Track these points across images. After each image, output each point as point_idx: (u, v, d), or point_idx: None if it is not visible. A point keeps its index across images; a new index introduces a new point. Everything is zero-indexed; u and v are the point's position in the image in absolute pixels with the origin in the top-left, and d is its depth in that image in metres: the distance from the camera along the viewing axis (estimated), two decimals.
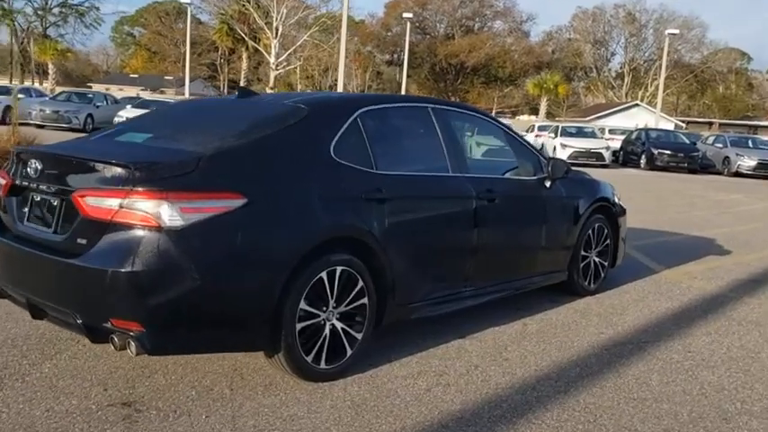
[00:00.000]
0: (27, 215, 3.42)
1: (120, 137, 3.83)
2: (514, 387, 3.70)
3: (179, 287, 2.95)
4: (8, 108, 19.51)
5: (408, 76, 47.35)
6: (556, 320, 5.02)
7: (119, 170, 3.02)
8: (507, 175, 5.06)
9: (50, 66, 40.86)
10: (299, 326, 3.39)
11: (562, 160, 5.36)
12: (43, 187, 3.31)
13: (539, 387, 3.72)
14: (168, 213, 2.94)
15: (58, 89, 33.54)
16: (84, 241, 3.05)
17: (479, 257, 4.50)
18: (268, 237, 3.20)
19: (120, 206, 2.96)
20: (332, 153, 3.63)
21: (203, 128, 3.71)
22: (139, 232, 2.95)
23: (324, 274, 3.46)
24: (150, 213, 2.93)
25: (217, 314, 3.09)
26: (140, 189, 2.95)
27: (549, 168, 5.08)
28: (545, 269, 5.26)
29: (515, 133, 5.18)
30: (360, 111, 3.91)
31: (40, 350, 3.78)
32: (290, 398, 3.36)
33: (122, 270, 2.89)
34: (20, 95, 25.48)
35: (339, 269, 3.54)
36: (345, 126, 3.78)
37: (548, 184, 5.10)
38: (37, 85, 46.35)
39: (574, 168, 5.67)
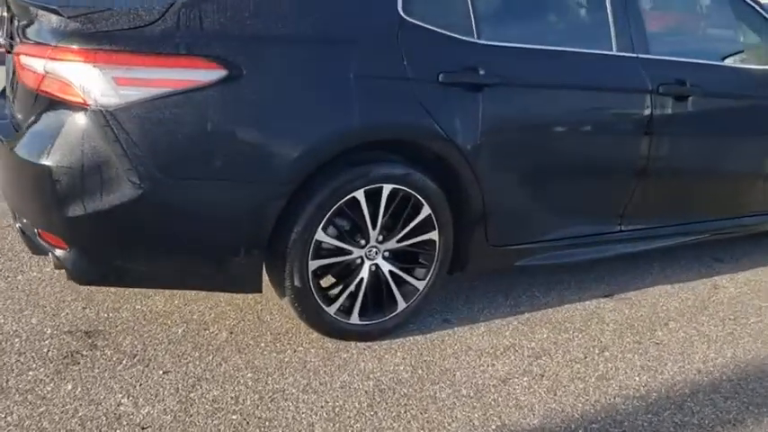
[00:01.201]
0: (9, 82, 2.70)
1: None
2: (644, 401, 2.34)
3: (110, 195, 2.03)
4: None
5: None
6: None
7: (52, 18, 2.11)
8: (723, 62, 3.32)
9: None
10: (313, 264, 2.34)
11: None
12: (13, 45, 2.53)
13: (688, 406, 2.31)
14: (97, 85, 1.99)
15: None
16: (20, 116, 2.25)
17: (649, 184, 2.99)
18: (259, 133, 2.12)
19: (45, 71, 2.07)
20: (399, 8, 2.36)
21: None
22: (63, 111, 2.05)
23: (359, 194, 2.33)
24: (74, 84, 2.01)
25: (170, 238, 2.14)
26: (63, 46, 2.02)
27: None
28: (766, 207, 3.53)
29: None
30: None
31: None
32: (294, 361, 2.39)
33: (38, 164, 2.04)
34: None
35: (387, 188, 2.37)
36: None
37: None
38: None
39: None
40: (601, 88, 2.78)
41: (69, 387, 2.15)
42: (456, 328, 2.70)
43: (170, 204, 2.07)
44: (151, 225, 2.09)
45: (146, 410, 2.06)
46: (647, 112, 2.85)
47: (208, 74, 2.05)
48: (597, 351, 2.61)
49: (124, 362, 2.30)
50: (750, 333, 2.85)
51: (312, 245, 2.30)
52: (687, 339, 2.76)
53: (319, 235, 2.31)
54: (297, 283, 2.31)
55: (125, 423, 2.00)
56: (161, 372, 2.26)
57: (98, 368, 2.25)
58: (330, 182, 2.27)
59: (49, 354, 2.32)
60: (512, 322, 2.80)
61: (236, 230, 2.17)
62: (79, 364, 2.27)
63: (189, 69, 2.04)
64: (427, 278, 2.58)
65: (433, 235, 2.53)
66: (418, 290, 2.58)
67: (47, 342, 2.39)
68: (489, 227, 2.63)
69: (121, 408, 2.06)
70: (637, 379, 2.44)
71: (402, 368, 2.39)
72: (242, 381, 2.24)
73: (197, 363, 2.32)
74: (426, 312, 2.80)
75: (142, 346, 2.40)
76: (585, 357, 2.56)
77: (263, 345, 2.47)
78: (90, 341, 2.41)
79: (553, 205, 2.80)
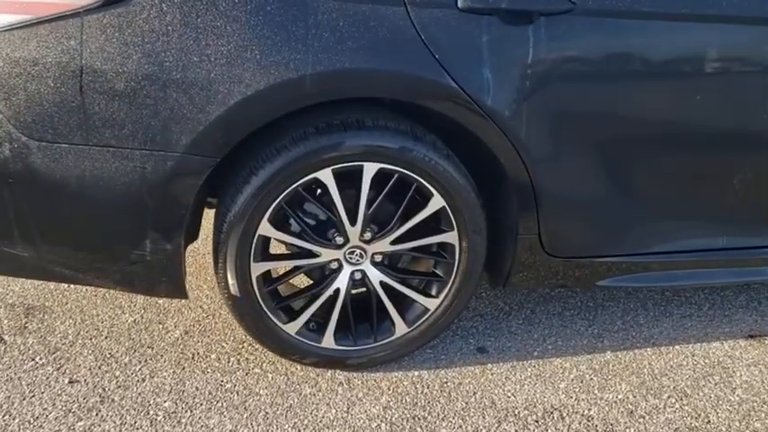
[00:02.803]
0: None
1: None
2: None
3: None
4: None
5: None
6: None
7: None
8: None
9: None
10: (258, 267, 1.67)
11: None
12: None
13: None
14: None
15: None
16: None
17: None
18: (156, 80, 1.44)
19: None
20: None
21: None
22: None
23: (325, 175, 1.59)
24: None
25: (48, 220, 1.57)
26: None
27: None
28: None
29: None
30: None
31: None
32: (237, 390, 1.77)
33: None
34: None
35: (371, 168, 1.60)
36: None
37: None
38: None
39: None
40: (736, 16, 1.67)
41: None
42: (488, 366, 1.90)
43: (39, 175, 1.50)
44: (21, 201, 1.54)
45: None
46: None
47: None
48: None
49: (37, 359, 1.85)
50: None
51: (254, 241, 1.63)
52: None
53: (264, 228, 1.62)
54: (233, 290, 1.67)
55: None
56: (67, 381, 1.77)
57: (3, 364, 1.83)
58: (275, 156, 1.56)
59: None
60: (580, 365, 1.92)
61: (134, 216, 1.55)
62: None
63: None
64: (442, 295, 1.80)
65: (450, 237, 1.73)
66: (428, 310, 1.81)
67: None
68: (545, 229, 1.75)
69: None
70: None
71: (375, 425, 1.67)
72: (151, 413, 1.68)
73: (116, 374, 1.81)
74: (459, 332, 2.03)
75: (73, 337, 1.94)
76: None
77: (212, 357, 1.88)
78: (24, 321, 2.00)
79: (660, 201, 1.82)
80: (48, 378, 1.78)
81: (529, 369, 1.90)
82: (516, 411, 1.74)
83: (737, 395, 1.83)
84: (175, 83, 1.44)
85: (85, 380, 1.78)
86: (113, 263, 1.62)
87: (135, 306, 2.08)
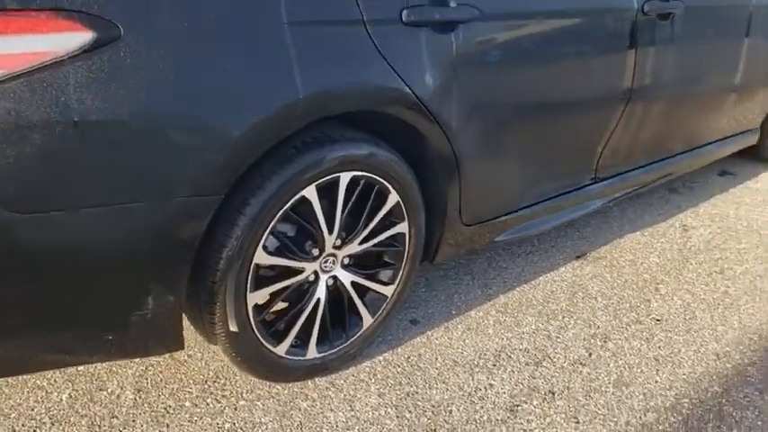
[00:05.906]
0: None
1: None
2: (678, 412, 1.92)
3: None
4: None
5: None
6: (734, 224, 3.06)
7: None
8: None
9: None
10: (254, 297, 1.65)
11: None
12: None
13: (727, 411, 1.92)
14: None
15: None
16: None
17: (631, 123, 2.50)
18: (152, 125, 1.34)
19: None
20: None
21: None
22: None
23: (310, 192, 1.64)
24: None
25: (31, 302, 1.36)
26: None
27: None
28: (730, 129, 3.20)
29: None
30: None
31: None
32: (238, 429, 1.73)
33: None
34: None
35: (346, 177, 1.70)
36: None
37: None
38: None
39: None
40: (583, 12, 2.17)
41: None
42: (429, 333, 2.14)
43: (23, 251, 1.29)
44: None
45: None
46: (631, 35, 2.32)
47: (63, 39, 1.23)
48: (600, 343, 2.15)
49: None
50: (745, 289, 2.51)
51: (250, 271, 1.61)
52: (686, 309, 2.37)
53: (259, 256, 1.61)
54: (232, 326, 1.63)
55: None
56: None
57: None
58: (268, 181, 1.56)
59: None
60: (490, 312, 2.27)
61: (136, 276, 1.43)
62: None
63: (29, 36, 1.21)
64: (396, 281, 1.97)
65: (403, 227, 1.91)
66: (386, 297, 1.97)
67: None
68: (464, 202, 2.04)
69: None
70: (658, 380, 2.01)
71: (384, 412, 1.80)
72: None
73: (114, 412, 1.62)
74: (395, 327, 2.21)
75: None
76: (591, 355, 2.09)
77: (187, 405, 1.78)
78: None
79: (533, 164, 2.24)
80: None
81: (459, 326, 2.19)
82: (476, 362, 2.02)
83: (600, 302, 2.37)
84: (172, 125, 1.36)
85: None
86: (109, 332, 1.46)
87: (56, 383, 1.82)
